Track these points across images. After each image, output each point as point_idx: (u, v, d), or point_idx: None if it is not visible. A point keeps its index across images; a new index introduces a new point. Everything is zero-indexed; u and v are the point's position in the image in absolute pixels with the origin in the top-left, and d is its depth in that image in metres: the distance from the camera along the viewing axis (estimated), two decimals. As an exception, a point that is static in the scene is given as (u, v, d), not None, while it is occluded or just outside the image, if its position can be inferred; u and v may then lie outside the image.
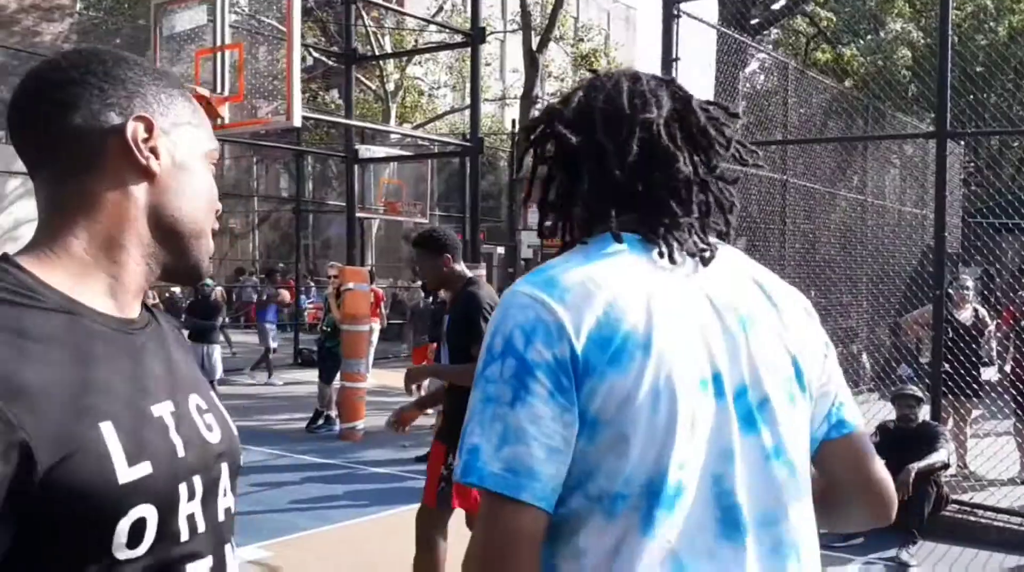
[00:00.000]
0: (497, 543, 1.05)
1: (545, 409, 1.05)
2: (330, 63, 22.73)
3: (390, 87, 23.20)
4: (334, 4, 20.70)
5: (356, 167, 10.70)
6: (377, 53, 19.58)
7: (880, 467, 1.27)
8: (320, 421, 9.51)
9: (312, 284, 22.43)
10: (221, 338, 10.70)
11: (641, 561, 1.05)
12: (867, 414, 6.39)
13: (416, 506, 6.44)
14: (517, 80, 26.08)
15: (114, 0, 23.06)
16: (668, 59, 7.18)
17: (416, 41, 22.00)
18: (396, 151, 16.78)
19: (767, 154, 9.65)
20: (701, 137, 1.21)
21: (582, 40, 26.02)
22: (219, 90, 7.46)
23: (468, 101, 22.20)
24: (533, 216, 24.25)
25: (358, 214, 11.38)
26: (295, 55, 7.10)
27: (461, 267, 4.03)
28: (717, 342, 1.13)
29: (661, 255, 1.15)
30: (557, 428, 1.05)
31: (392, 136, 21.05)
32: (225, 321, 10.49)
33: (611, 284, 1.10)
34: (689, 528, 1.07)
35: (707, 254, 1.18)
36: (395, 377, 13.17)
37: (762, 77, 13.45)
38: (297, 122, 7.20)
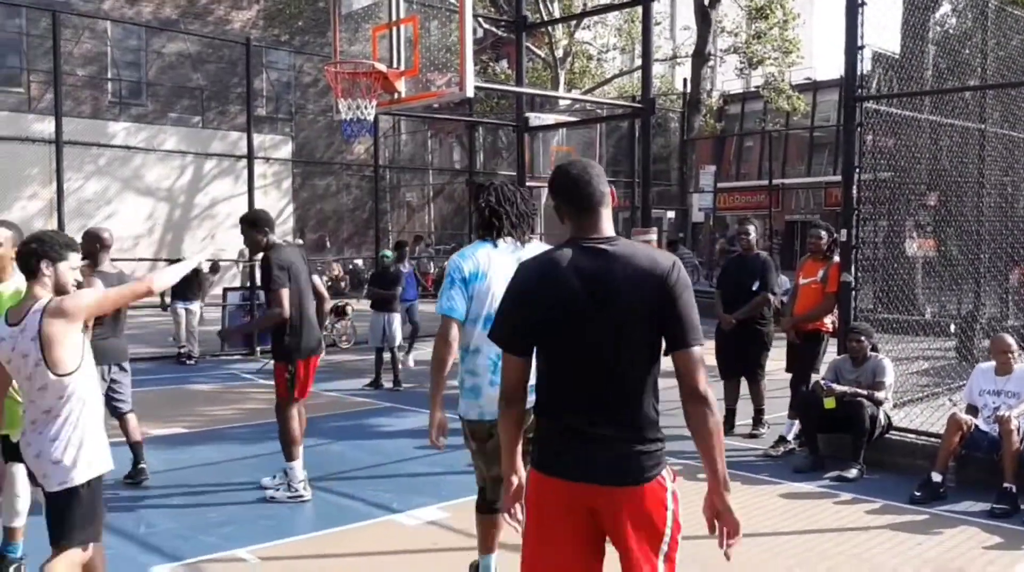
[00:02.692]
0: (443, 331, 3.72)
1: (458, 289, 3.71)
2: (500, 33, 22.92)
3: (559, 54, 23.14)
4: (502, -27, 20.78)
5: (526, 136, 10.75)
6: (546, 19, 19.53)
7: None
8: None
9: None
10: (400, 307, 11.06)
11: (478, 336, 3.67)
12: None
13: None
14: (688, 38, 25.37)
15: (296, -16, 24.11)
16: (853, 4, 6.76)
17: (585, 4, 21.78)
18: (566, 117, 16.77)
19: (961, 102, 8.94)
20: (514, 205, 3.87)
21: (756, -9, 24.92)
22: (395, 65, 7.66)
23: (638, 63, 21.73)
24: (706, 178, 23.57)
25: (528, 183, 11.44)
26: (467, 26, 7.17)
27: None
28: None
29: (495, 245, 3.81)
30: (462, 294, 3.71)
31: (561, 103, 21.02)
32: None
33: (478, 253, 3.77)
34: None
35: (520, 243, 3.84)
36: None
37: (953, 20, 12.43)
38: (470, 92, 7.28)
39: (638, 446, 2.44)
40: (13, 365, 3.37)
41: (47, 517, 3.38)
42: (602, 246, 2.50)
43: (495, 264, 3.72)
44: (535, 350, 2.55)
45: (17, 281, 3.93)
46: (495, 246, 3.79)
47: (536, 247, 3.68)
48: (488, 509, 3.94)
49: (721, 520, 2.48)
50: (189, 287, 12.15)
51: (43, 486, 3.37)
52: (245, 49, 13.37)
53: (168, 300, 12.33)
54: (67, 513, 3.33)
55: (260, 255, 5.69)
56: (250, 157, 13.24)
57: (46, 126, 18.06)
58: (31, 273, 3.41)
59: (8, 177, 20.11)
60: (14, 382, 3.54)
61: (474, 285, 3.71)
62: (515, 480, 2.69)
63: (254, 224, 5.72)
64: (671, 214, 22.36)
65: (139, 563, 4.56)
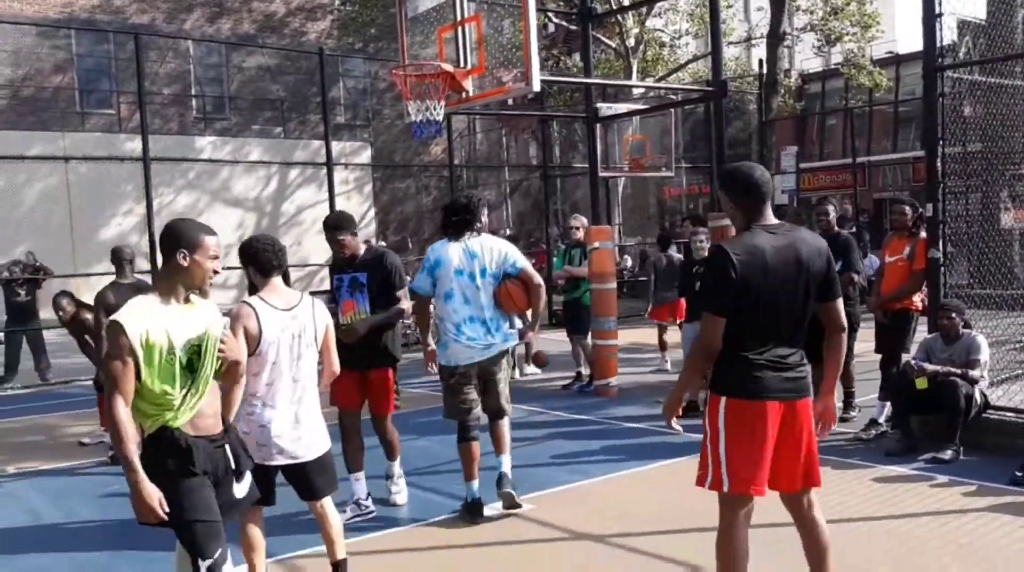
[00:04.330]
0: (416, 306, 5.42)
1: (426, 275, 5.27)
2: (571, 27, 22.84)
3: (630, 43, 22.92)
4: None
5: (598, 126, 10.70)
6: (614, 8, 19.38)
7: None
8: (577, 380, 9.70)
9: (562, 246, 22.81)
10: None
11: (449, 307, 5.18)
12: None
13: (673, 461, 6.44)
14: (762, 19, 24.82)
15: (367, -8, 24.45)
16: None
17: (653, -8, 21.52)
18: (638, 106, 16.62)
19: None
20: (464, 212, 5.30)
21: (833, -33, 24.22)
22: (462, 64, 7.71)
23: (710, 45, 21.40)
24: (788, 159, 22.96)
25: (602, 173, 11.39)
26: (531, 19, 7.16)
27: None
28: (465, 259, 5.18)
29: (453, 239, 5.26)
30: (429, 278, 5.25)
31: (634, 92, 20.83)
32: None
33: (441, 247, 5.28)
34: (457, 302, 5.16)
35: (471, 237, 5.25)
36: (647, 335, 13.13)
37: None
38: (536, 86, 7.27)
39: (806, 370, 3.38)
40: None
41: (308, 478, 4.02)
42: (782, 230, 3.33)
43: (450, 254, 5.22)
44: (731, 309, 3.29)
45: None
46: (451, 242, 5.26)
47: (485, 238, 5.28)
48: (464, 439, 5.25)
49: (826, 415, 3.48)
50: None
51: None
52: (320, 59, 13.67)
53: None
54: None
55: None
56: (329, 164, 13.53)
57: (136, 144, 18.77)
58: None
59: (104, 195, 21.01)
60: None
61: (437, 271, 5.22)
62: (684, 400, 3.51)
63: (338, 226, 5.41)
64: (752, 198, 21.91)
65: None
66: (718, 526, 3.42)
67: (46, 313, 12.10)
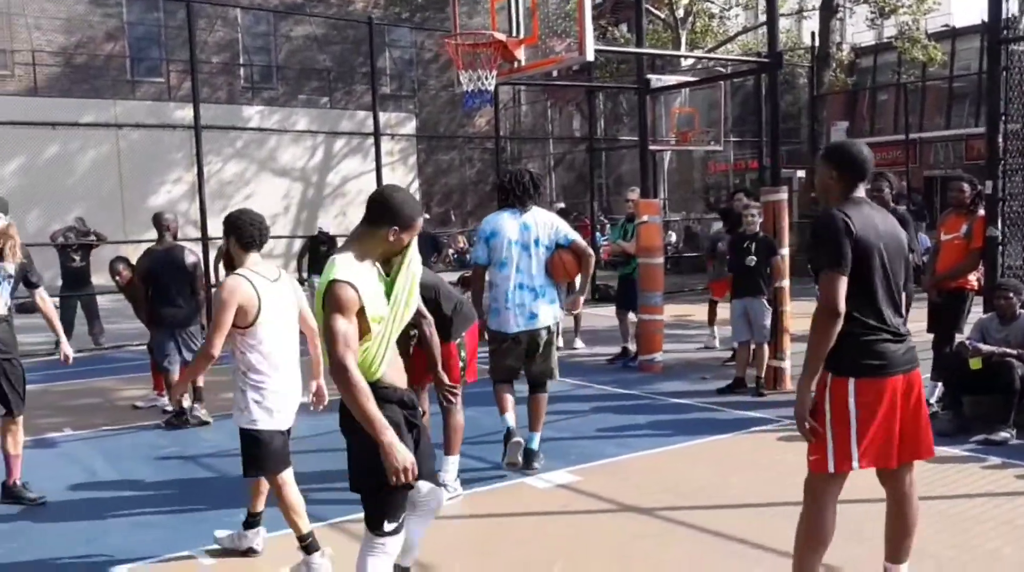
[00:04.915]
0: (473, 275, 5.79)
1: (482, 244, 5.62)
2: (618, -3, 22.57)
3: (679, 14, 22.61)
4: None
5: (647, 99, 10.58)
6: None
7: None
8: (623, 355, 9.68)
9: (606, 222, 22.72)
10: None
11: (502, 274, 5.54)
12: None
13: (718, 437, 6.42)
14: (815, -10, 24.29)
15: (415, -39, 24.41)
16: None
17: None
18: (688, 78, 16.40)
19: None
20: (519, 185, 5.61)
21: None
22: (514, 34, 7.66)
23: (761, 19, 20.98)
24: (838, 135, 22.77)
25: (650, 146, 11.27)
26: (585, -13, 7.09)
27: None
28: (519, 231, 5.52)
29: (509, 211, 5.59)
30: (485, 248, 5.60)
31: (683, 64, 20.56)
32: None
33: (496, 218, 5.62)
34: (510, 270, 5.51)
35: (526, 209, 5.57)
36: (692, 310, 13.04)
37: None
38: (590, 56, 7.21)
39: (913, 339, 3.40)
40: None
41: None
42: (871, 204, 3.40)
43: (506, 225, 5.52)
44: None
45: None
46: (506, 213, 5.56)
47: (537, 212, 5.59)
48: (500, 383, 5.66)
49: None
50: (325, 262, 12.61)
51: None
52: (368, 28, 13.67)
53: (305, 275, 12.84)
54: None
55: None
56: (377, 134, 13.57)
57: (186, 113, 18.96)
58: None
59: (154, 162, 21.31)
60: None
61: (492, 241, 5.53)
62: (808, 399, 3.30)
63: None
64: (801, 173, 21.54)
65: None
66: (806, 506, 3.36)
67: (98, 278, 12.38)
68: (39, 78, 22.71)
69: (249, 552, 4.37)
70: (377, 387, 3.00)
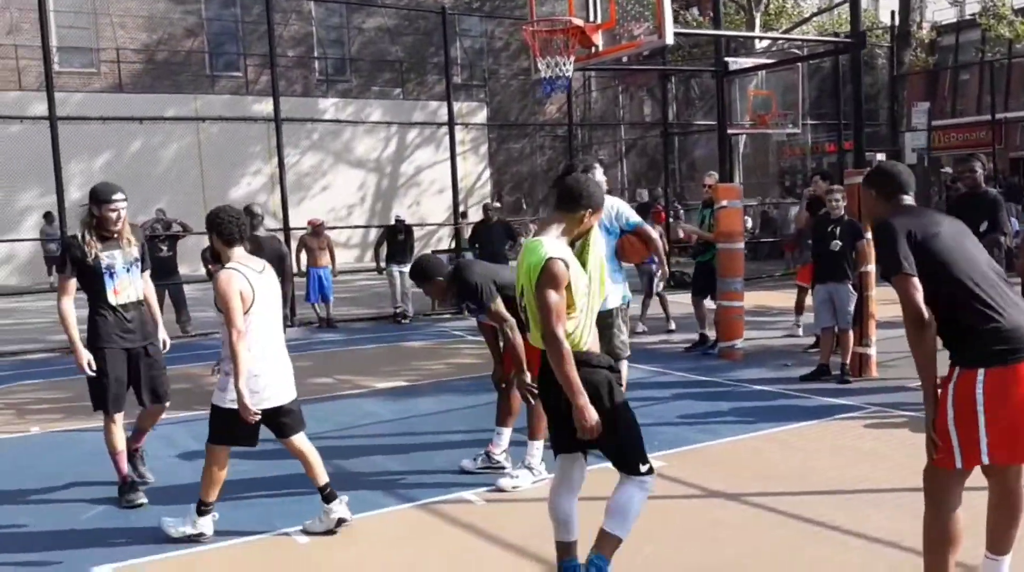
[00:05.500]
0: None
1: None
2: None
3: (753, -5, 22.20)
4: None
5: (723, 82, 10.45)
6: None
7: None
8: (702, 343, 9.59)
9: (680, 207, 22.49)
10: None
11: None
12: None
13: (804, 424, 6.34)
14: (895, -32, 23.59)
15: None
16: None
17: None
18: (764, 60, 16.11)
19: None
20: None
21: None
22: (592, 19, 7.66)
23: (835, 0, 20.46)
24: (919, 116, 21.96)
25: (728, 130, 11.13)
26: (664, -30, 7.04)
27: None
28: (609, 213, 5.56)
29: None
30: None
31: (758, 47, 20.20)
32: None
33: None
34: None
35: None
36: (771, 297, 12.85)
37: None
38: (670, 40, 7.16)
39: None
40: None
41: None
42: (921, 208, 3.44)
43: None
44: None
45: None
46: None
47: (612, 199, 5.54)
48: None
49: None
50: (403, 250, 12.80)
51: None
52: (441, 18, 13.77)
53: (383, 264, 13.04)
54: None
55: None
56: (451, 124, 13.68)
57: (263, 106, 19.39)
58: None
59: (233, 155, 21.84)
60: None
61: None
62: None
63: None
64: (881, 156, 20.96)
65: (378, 503, 4.95)
66: (930, 508, 3.27)
67: (184, 268, 12.75)
68: (124, 75, 23.45)
69: (340, 523, 4.49)
70: (588, 355, 3.43)
